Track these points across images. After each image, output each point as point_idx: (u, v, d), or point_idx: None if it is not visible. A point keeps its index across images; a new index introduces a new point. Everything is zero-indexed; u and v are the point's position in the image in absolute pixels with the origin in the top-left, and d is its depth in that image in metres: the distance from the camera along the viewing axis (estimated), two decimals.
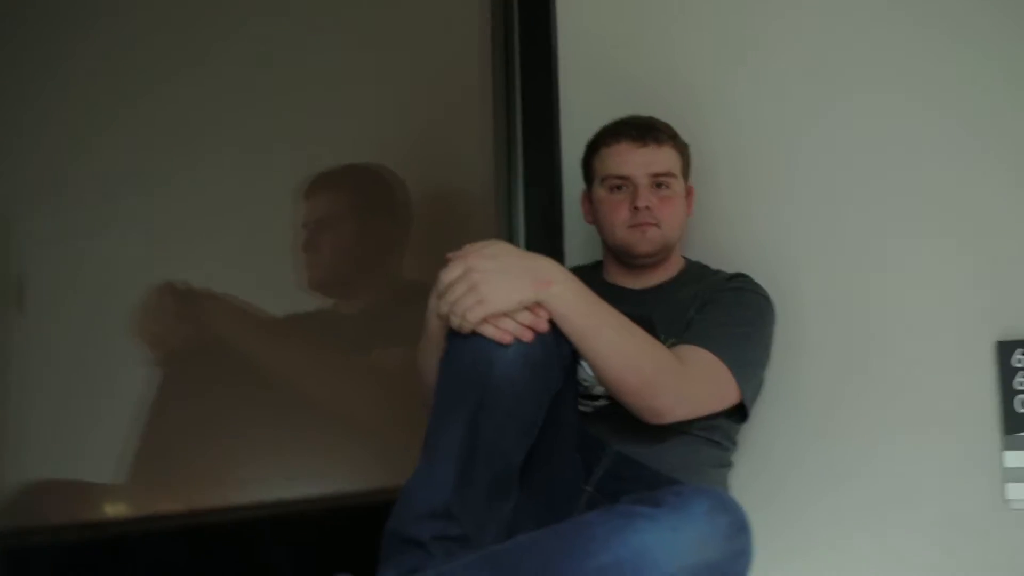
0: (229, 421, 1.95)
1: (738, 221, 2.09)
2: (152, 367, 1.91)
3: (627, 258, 1.94)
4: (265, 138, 2.02)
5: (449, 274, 1.51)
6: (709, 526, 1.36)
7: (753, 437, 1.95)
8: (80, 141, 1.92)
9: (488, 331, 1.49)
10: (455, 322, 1.50)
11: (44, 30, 1.94)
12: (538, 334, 1.51)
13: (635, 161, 1.89)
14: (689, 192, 1.98)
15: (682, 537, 1.33)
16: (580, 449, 1.69)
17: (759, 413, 1.90)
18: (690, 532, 1.34)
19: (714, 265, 2.00)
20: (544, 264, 1.55)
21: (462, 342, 1.51)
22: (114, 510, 1.91)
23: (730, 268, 1.96)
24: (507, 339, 1.49)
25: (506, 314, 1.49)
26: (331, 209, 2.02)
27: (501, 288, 1.48)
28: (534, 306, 1.51)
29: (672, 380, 1.64)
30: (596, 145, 1.95)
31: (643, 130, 1.91)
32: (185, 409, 1.92)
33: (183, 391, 1.92)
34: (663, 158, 1.90)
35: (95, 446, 1.91)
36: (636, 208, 1.88)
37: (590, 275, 1.95)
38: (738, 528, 1.39)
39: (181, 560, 1.85)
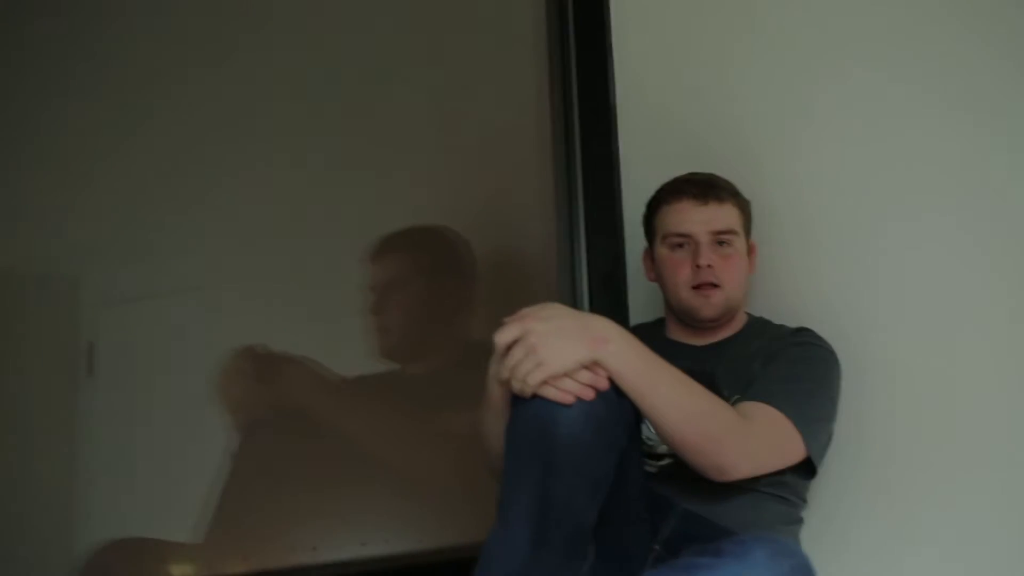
0: (304, 483, 1.98)
1: (802, 276, 2.08)
2: (230, 429, 1.95)
3: (690, 320, 1.94)
4: (333, 202, 2.06)
5: (505, 337, 1.53)
6: (772, 571, 1.36)
7: (821, 493, 1.93)
8: (153, 205, 1.98)
9: (550, 393, 1.50)
10: (516, 387, 1.51)
11: (118, 101, 2.01)
12: (599, 392, 1.51)
13: (696, 219, 1.90)
14: (751, 249, 1.98)
15: None
16: (647, 508, 1.68)
17: (828, 469, 1.88)
18: None
19: (777, 321, 1.99)
20: (599, 323, 1.56)
21: (525, 406, 1.52)
22: (190, 572, 1.94)
23: (794, 324, 1.95)
24: (569, 399, 1.49)
25: (566, 375, 1.50)
26: (398, 272, 2.05)
27: (559, 349, 1.49)
28: (593, 365, 1.52)
29: (734, 437, 1.64)
30: (657, 203, 1.96)
31: (704, 187, 1.91)
32: (261, 471, 1.95)
33: (260, 453, 1.96)
34: (725, 216, 1.91)
35: (169, 510, 1.95)
36: (698, 267, 1.88)
37: (652, 332, 1.96)
38: (802, 570, 1.39)
39: None
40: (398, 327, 2.04)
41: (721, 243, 1.90)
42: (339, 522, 1.97)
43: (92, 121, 2.03)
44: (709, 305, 1.90)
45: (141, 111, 2.06)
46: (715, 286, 1.89)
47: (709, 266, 1.88)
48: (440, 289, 2.12)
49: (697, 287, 1.89)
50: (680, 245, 1.91)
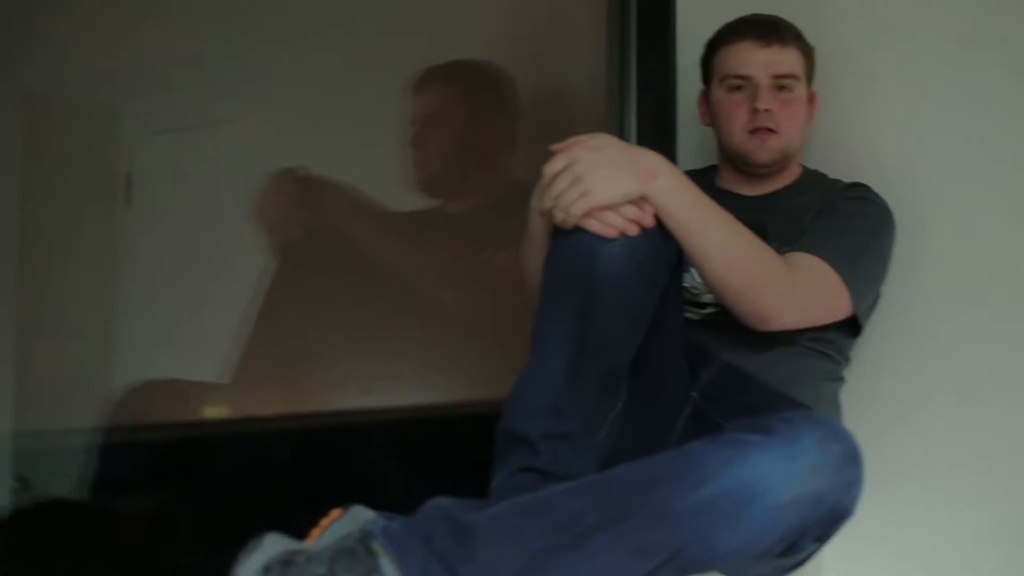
0: (339, 317, 1.95)
1: (860, 130, 2.00)
2: (267, 254, 1.92)
3: (744, 165, 1.88)
4: (374, 32, 2.00)
5: (552, 167, 1.48)
6: (821, 456, 1.32)
7: (864, 354, 1.88)
8: (190, 29, 1.93)
9: (592, 225, 1.45)
10: (559, 217, 1.47)
11: None
12: (644, 229, 1.46)
13: (757, 61, 1.82)
14: (812, 97, 1.90)
15: (795, 467, 1.30)
16: (687, 356, 1.65)
17: (873, 328, 1.83)
18: (802, 462, 1.30)
19: (833, 175, 1.92)
20: (650, 157, 1.50)
21: (566, 238, 1.48)
22: (221, 410, 1.93)
23: (849, 179, 1.88)
24: (612, 233, 1.45)
25: (611, 207, 1.45)
26: (439, 105, 2.00)
27: (605, 181, 1.44)
28: (639, 200, 1.46)
29: (779, 284, 1.59)
30: (717, 43, 1.88)
31: (768, 29, 1.84)
32: (295, 300, 1.93)
33: (297, 282, 1.93)
34: (787, 59, 1.83)
35: (205, 342, 1.94)
36: (756, 110, 1.81)
37: (702, 179, 1.89)
38: (850, 458, 1.35)
39: (286, 462, 1.87)
40: (438, 161, 1.99)
41: (781, 87, 1.83)
42: (375, 362, 1.95)
43: None
44: (765, 149, 1.83)
45: None
46: (772, 131, 1.82)
47: (767, 110, 1.81)
48: (482, 125, 2.06)
49: (753, 131, 1.82)
50: (738, 87, 1.84)
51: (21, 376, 1.79)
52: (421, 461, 1.89)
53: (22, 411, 1.79)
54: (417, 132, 1.97)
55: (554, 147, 1.49)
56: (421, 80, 1.99)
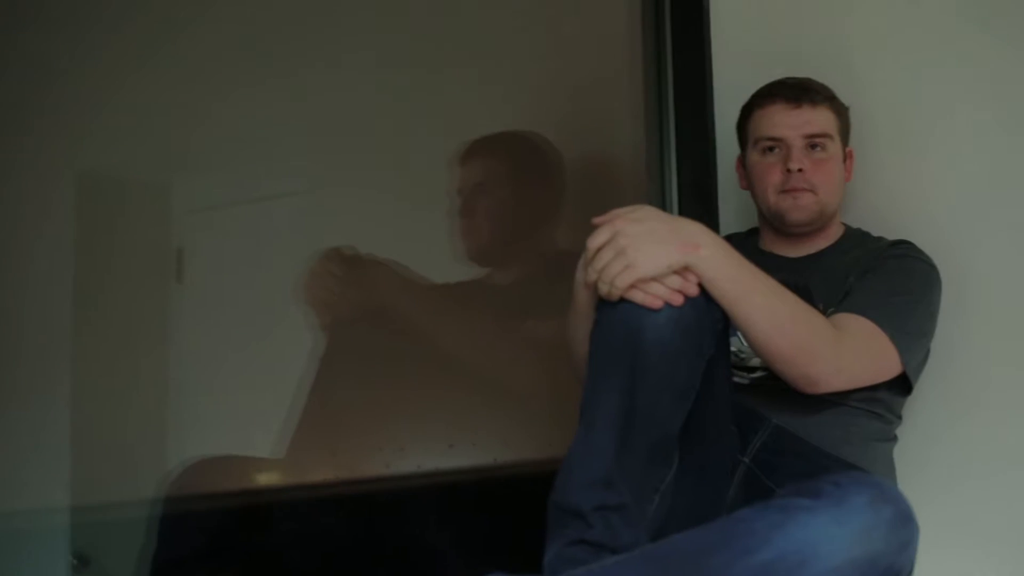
0: (389, 389, 1.97)
1: (900, 187, 2.00)
2: (316, 332, 1.95)
3: (781, 226, 1.89)
4: (420, 105, 2.04)
5: (596, 240, 1.49)
6: (873, 517, 1.31)
7: (916, 411, 1.87)
8: (240, 110, 1.98)
9: (637, 297, 1.46)
10: (603, 289, 1.48)
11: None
12: (688, 299, 1.47)
13: (789, 122, 1.84)
14: (848, 156, 1.91)
15: (845, 530, 1.29)
16: (737, 420, 1.65)
17: (923, 386, 1.82)
18: (853, 524, 1.29)
19: (876, 233, 1.92)
20: (692, 227, 1.51)
21: (611, 309, 1.49)
22: (272, 479, 1.95)
23: (893, 237, 1.88)
24: (657, 304, 1.45)
25: (655, 279, 1.46)
26: (486, 175, 2.03)
27: (649, 252, 1.45)
28: (683, 270, 1.47)
29: (827, 348, 1.59)
30: (750, 107, 1.90)
31: (798, 90, 1.85)
32: (347, 376, 1.95)
33: (346, 358, 1.95)
34: (818, 119, 1.84)
35: (256, 415, 1.97)
36: (789, 171, 1.82)
37: (744, 243, 1.92)
38: (903, 519, 1.33)
39: (339, 528, 1.88)
40: (485, 231, 2.02)
41: (814, 147, 1.84)
42: (424, 430, 1.97)
43: (186, 23, 2.01)
44: (798, 208, 1.84)
45: (237, 11, 2.04)
46: (806, 190, 1.83)
47: (800, 170, 1.82)
48: (528, 195, 2.09)
49: (787, 191, 1.84)
50: (771, 149, 1.86)
51: (76, 453, 1.83)
52: (472, 525, 1.91)
53: (78, 489, 1.83)
54: (464, 202, 2.00)
55: (596, 220, 1.51)
56: (468, 151, 2.03)
